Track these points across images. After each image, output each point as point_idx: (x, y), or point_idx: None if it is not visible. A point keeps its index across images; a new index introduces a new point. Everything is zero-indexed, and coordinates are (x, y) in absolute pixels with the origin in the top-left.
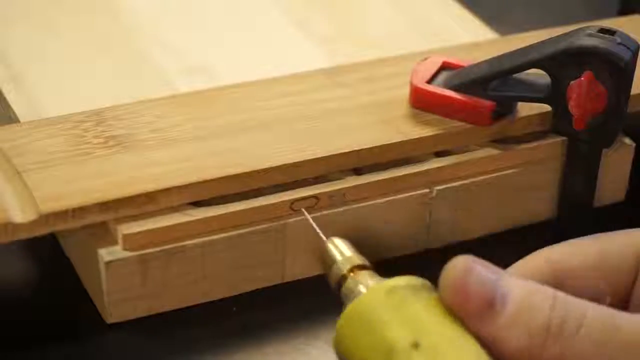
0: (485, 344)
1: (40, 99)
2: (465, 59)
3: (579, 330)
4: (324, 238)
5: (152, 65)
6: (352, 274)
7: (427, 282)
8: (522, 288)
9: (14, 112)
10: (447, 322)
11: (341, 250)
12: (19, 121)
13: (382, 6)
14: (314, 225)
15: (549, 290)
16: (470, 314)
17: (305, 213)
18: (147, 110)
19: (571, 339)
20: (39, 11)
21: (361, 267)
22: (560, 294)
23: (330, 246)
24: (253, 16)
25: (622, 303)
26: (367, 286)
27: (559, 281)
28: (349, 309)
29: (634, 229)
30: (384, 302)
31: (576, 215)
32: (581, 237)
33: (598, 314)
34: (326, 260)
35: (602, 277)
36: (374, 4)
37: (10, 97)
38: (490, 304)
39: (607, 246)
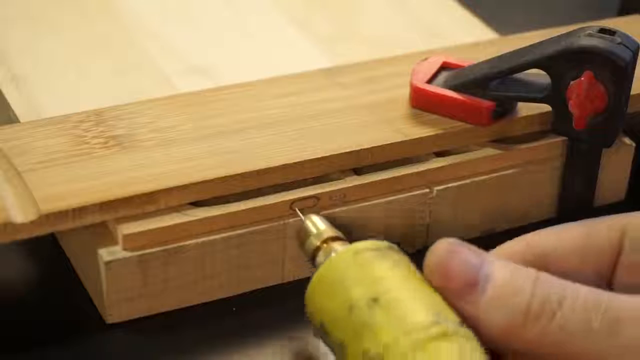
0: (468, 324)
1: (40, 99)
2: (465, 59)
3: (560, 308)
4: (302, 217)
5: (152, 65)
6: (325, 245)
7: (394, 246)
8: (506, 269)
9: (14, 112)
10: (411, 279)
11: (316, 225)
12: (19, 121)
13: (381, 6)
14: (297, 210)
15: (532, 272)
16: (452, 294)
17: (296, 209)
18: (147, 110)
19: (552, 317)
20: (39, 11)
21: (334, 239)
22: (543, 275)
23: (307, 222)
24: (253, 16)
25: (606, 285)
26: (337, 252)
27: (542, 265)
28: (319, 271)
29: (618, 215)
30: (351, 262)
31: (576, 215)
32: (567, 223)
33: (580, 293)
34: (302, 236)
35: (584, 259)
36: (374, 4)
37: (10, 97)
38: (472, 284)
39: (589, 229)
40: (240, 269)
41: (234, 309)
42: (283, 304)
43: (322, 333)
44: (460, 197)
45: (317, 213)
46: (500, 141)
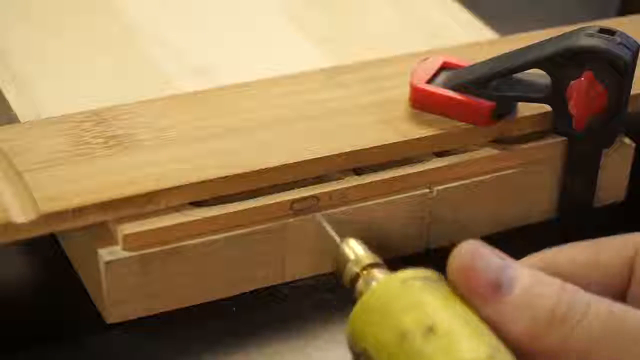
0: (491, 325)
1: (40, 99)
2: (465, 59)
3: (583, 318)
4: (338, 240)
5: (152, 65)
6: (364, 272)
7: (442, 275)
8: (531, 275)
9: (14, 112)
10: (461, 310)
11: (354, 250)
12: (19, 121)
13: (381, 6)
14: (328, 227)
15: (557, 281)
16: (476, 295)
17: (319, 216)
18: (147, 110)
19: (574, 326)
20: (39, 11)
21: (374, 266)
22: (569, 285)
23: (344, 247)
24: (253, 16)
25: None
26: (380, 281)
27: None
28: (363, 298)
29: (630, 233)
30: (399, 290)
31: (576, 215)
32: (577, 242)
33: (603, 305)
34: (340, 260)
35: (596, 277)
36: (374, 4)
37: (10, 97)
38: (497, 287)
39: (602, 249)
40: (240, 269)
41: (233, 309)
42: (283, 304)
43: (364, 358)
44: (460, 197)
45: (356, 238)
46: (500, 141)
